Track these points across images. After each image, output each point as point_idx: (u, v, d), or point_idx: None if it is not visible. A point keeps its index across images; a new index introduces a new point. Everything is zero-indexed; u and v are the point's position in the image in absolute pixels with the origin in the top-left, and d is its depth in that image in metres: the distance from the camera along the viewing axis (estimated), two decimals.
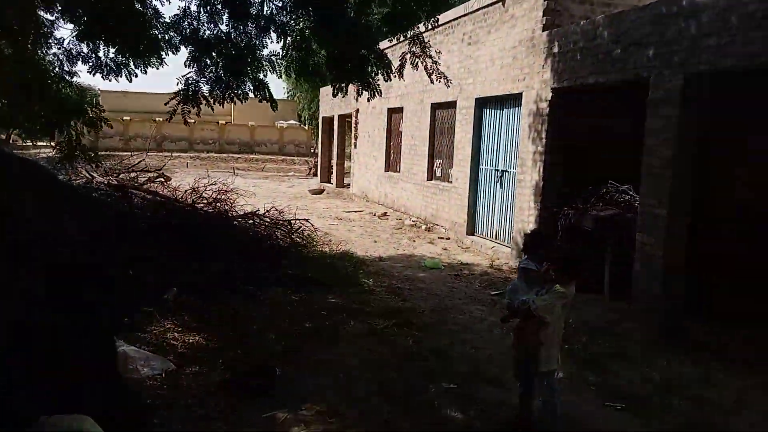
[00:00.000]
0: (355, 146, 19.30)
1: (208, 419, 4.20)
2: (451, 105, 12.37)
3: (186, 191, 9.32)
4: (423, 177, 13.78)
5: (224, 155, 39.27)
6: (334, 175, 21.94)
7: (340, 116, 21.00)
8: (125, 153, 20.75)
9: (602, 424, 4.49)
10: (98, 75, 7.06)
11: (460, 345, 5.96)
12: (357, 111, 18.73)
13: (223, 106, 6.51)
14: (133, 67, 7.02)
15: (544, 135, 8.93)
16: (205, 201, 8.94)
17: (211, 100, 6.34)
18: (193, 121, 39.98)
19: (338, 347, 5.68)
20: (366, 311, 6.80)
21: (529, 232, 4.41)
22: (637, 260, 6.81)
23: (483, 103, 11.24)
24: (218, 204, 8.97)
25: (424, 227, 13.17)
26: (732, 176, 9.45)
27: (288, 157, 40.19)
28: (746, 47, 5.37)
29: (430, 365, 5.38)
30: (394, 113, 15.96)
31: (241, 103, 6.61)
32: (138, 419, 2.56)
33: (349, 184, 20.48)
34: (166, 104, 6.46)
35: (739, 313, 7.66)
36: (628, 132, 7.60)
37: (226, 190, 9.23)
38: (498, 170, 10.73)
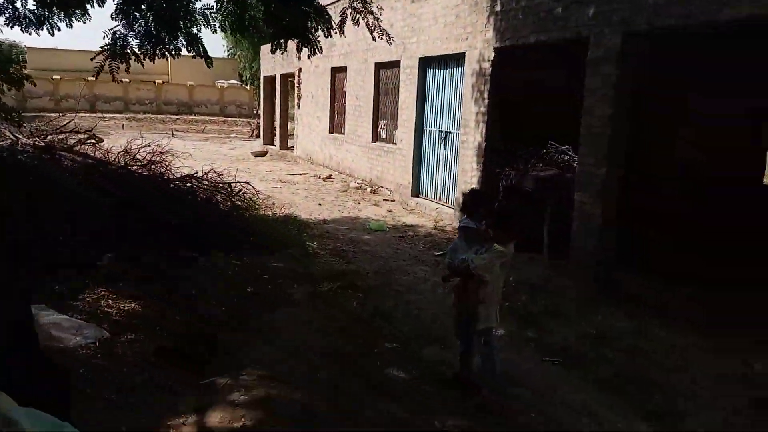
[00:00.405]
0: (299, 107, 18.89)
1: (144, 388, 4.06)
2: (395, 64, 12.20)
3: (119, 153, 8.89)
4: (368, 139, 13.64)
5: (162, 116, 37.81)
6: (277, 137, 21.47)
7: (282, 75, 20.44)
8: (55, 114, 19.69)
9: (540, 378, 4.62)
10: (18, 28, 6.53)
11: (404, 306, 5.99)
12: (299, 70, 18.27)
13: (153, 62, 6.15)
14: (55, 20, 6.53)
15: (486, 95, 8.93)
16: (139, 163, 8.55)
17: (141, 56, 5.97)
18: (128, 80, 38.11)
19: (281, 311, 5.60)
20: (310, 274, 6.73)
21: (466, 191, 4.40)
22: (575, 219, 6.96)
23: (427, 63, 11.12)
24: (153, 166, 8.60)
25: (369, 189, 13.10)
26: (674, 135, 9.79)
27: (229, 119, 39.07)
28: (685, 7, 5.43)
29: (374, 327, 5.38)
30: (338, 73, 15.65)
31: (174, 58, 6.26)
32: (59, 390, 2.42)
33: (293, 146, 20.11)
34: (92, 59, 6.05)
35: (679, 270, 8.00)
36: (571, 92, 7.66)
37: (161, 152, 8.84)
38: (442, 131, 10.71)
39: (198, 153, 18.61)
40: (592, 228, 6.65)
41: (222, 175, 9.46)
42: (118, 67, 6.03)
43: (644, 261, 8.06)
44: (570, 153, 8.18)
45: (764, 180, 11.05)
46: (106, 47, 5.97)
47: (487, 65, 8.89)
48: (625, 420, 4.06)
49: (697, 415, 4.17)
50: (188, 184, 8.79)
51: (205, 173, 8.90)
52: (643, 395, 4.42)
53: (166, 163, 9.02)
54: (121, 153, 8.79)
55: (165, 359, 4.48)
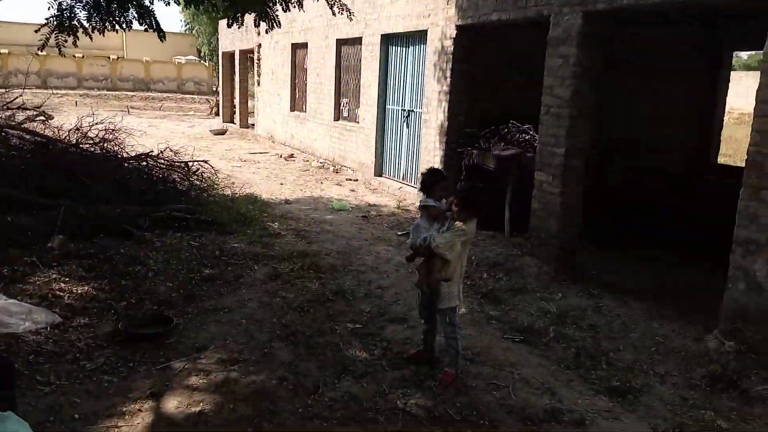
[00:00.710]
0: (259, 84, 18.50)
1: (98, 373, 3.94)
2: (357, 41, 12.01)
3: (69, 131, 8.55)
4: (330, 117, 13.46)
5: (117, 93, 36.59)
6: (237, 115, 21.02)
7: (241, 51, 19.96)
8: (2, 90, 18.82)
9: (501, 355, 4.64)
10: None
11: (366, 285, 5.94)
12: (259, 46, 17.86)
13: (103, 35, 5.87)
14: None
15: (448, 74, 8.86)
16: (91, 141, 8.24)
17: (90, 29, 5.69)
18: (81, 55, 36.78)
19: (240, 293, 5.50)
20: (270, 255, 6.62)
21: (425, 170, 4.36)
22: (535, 198, 6.99)
23: (389, 40, 10.98)
24: (106, 144, 8.30)
25: (332, 169, 12.96)
26: (630, 117, 9.95)
27: (188, 96, 38.10)
28: None
29: (335, 307, 5.33)
30: (299, 49, 15.35)
31: (125, 32, 5.99)
32: (2, 382, 2.31)
33: (253, 125, 19.73)
34: (36, 32, 5.74)
35: (630, 247, 8.17)
36: (534, 70, 7.66)
37: (114, 130, 8.53)
38: (405, 110, 10.62)
39: (155, 131, 18.13)
40: (552, 207, 6.69)
41: (179, 153, 9.21)
42: (65, 41, 5.74)
43: (604, 240, 8.22)
44: (531, 132, 8.22)
45: (718, 159, 11.33)
46: (51, 19, 5.67)
47: (449, 43, 8.81)
48: (585, 396, 4.11)
49: (655, 391, 4.26)
50: (143, 163, 8.53)
51: (161, 152, 8.63)
52: (603, 372, 4.48)
53: (120, 141, 8.72)
54: (72, 131, 8.44)
55: (119, 343, 4.36)
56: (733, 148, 17.47)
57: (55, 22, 5.62)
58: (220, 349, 4.35)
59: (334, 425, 3.54)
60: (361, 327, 4.96)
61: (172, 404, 3.57)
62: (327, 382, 4.04)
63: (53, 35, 5.67)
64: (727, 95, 10.85)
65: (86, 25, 5.71)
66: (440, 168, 4.24)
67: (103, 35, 5.85)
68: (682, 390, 4.32)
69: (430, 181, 4.19)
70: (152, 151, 8.78)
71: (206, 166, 9.35)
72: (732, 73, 11.40)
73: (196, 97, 37.44)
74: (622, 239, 8.45)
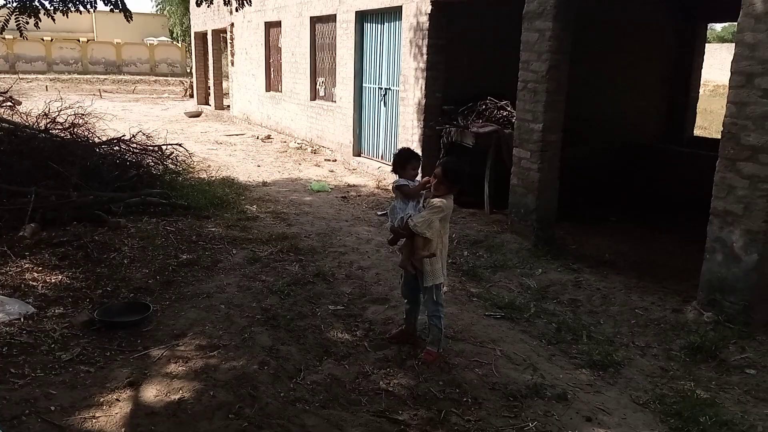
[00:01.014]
0: (233, 64, 18.18)
1: (74, 363, 3.85)
2: (332, 18, 11.82)
3: (38, 116, 8.31)
4: (306, 97, 13.29)
5: (88, 77, 35.72)
6: (212, 97, 20.67)
7: (214, 31, 19.56)
8: None
9: (483, 332, 4.64)
10: None
11: (346, 267, 5.89)
12: (232, 25, 17.52)
13: (67, 16, 5.67)
14: None
15: (425, 50, 8.76)
16: (61, 127, 8.01)
17: (53, 10, 5.48)
18: (49, 38, 35.72)
19: (218, 278, 5.42)
20: (248, 239, 6.53)
21: (396, 152, 4.31)
22: (513, 174, 6.98)
23: (364, 17, 10.81)
24: (76, 129, 8.08)
25: (310, 150, 12.82)
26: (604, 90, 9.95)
27: (161, 78, 37.34)
28: None
29: (316, 289, 5.28)
30: (272, 27, 15.08)
31: (88, 12, 5.79)
32: None
33: (229, 106, 19.44)
34: None
35: (605, 220, 8.23)
36: (511, 45, 7.60)
37: (83, 114, 8.31)
38: (382, 88, 10.51)
39: (128, 115, 17.78)
40: (530, 183, 6.69)
41: (152, 137, 9.02)
42: (27, 23, 5.52)
43: (580, 215, 8.26)
44: (509, 108, 8.18)
45: (694, 132, 11.42)
46: (11, 0, 5.46)
47: (424, 19, 8.69)
48: (567, 371, 4.14)
49: (635, 363, 4.30)
50: (116, 148, 8.34)
51: (133, 135, 8.44)
52: (584, 346, 4.51)
53: (91, 126, 8.50)
54: (41, 116, 8.20)
55: (95, 332, 4.27)
56: (709, 120, 17.66)
57: (14, 4, 5.40)
58: (199, 335, 4.28)
59: (316, 408, 3.50)
60: (342, 308, 4.92)
61: (150, 393, 3.51)
62: (308, 365, 4.01)
63: (13, 17, 5.45)
64: (701, 67, 10.91)
65: (48, 6, 5.49)
66: (416, 147, 4.15)
67: (67, 17, 5.64)
68: (662, 361, 4.36)
69: (401, 161, 4.13)
70: (124, 136, 8.58)
71: (181, 149, 9.17)
72: (706, 45, 11.44)
73: (169, 79, 36.72)
74: (597, 213, 8.51)
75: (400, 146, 9.68)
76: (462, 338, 4.53)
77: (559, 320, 4.93)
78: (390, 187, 9.41)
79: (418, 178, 4.19)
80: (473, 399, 3.72)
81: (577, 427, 3.47)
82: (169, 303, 4.83)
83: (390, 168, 10.21)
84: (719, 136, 4.87)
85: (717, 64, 25.59)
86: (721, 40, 39.71)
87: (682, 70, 10.69)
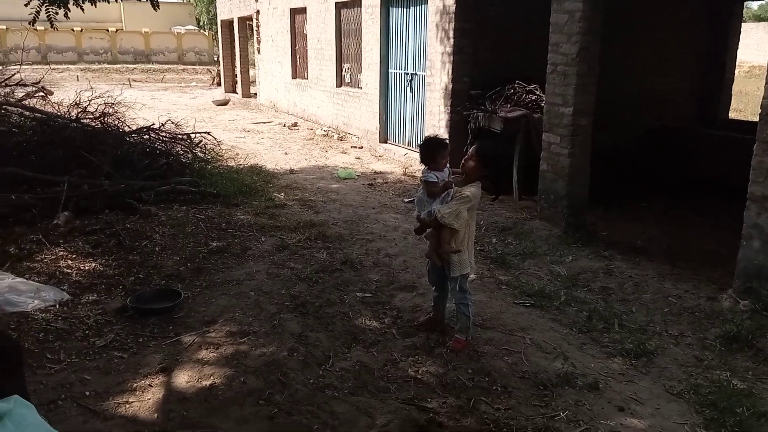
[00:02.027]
0: (259, 51, 18.22)
1: (108, 349, 3.93)
2: (357, 4, 11.73)
3: (69, 106, 8.44)
4: (332, 83, 13.26)
5: (118, 66, 36.19)
6: (239, 85, 20.77)
7: (240, 19, 19.61)
8: (0, 66, 18.60)
9: (512, 320, 4.60)
10: None
11: (374, 254, 5.89)
12: (257, 12, 17.53)
13: (95, 6, 5.73)
14: None
15: (451, 34, 8.64)
16: (92, 116, 8.13)
17: (80, 0, 5.54)
18: (79, 29, 36.16)
19: (248, 265, 5.46)
20: (277, 226, 6.56)
21: (423, 141, 4.19)
22: (543, 160, 6.88)
23: (389, 1, 10.70)
24: (107, 119, 8.20)
25: (336, 137, 12.82)
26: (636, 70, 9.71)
27: (189, 67, 37.66)
28: None
29: (344, 276, 5.28)
30: (297, 14, 15.05)
31: (116, 1, 5.83)
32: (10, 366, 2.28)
33: (255, 94, 19.52)
34: (26, 5, 5.59)
35: (637, 206, 8.07)
36: (540, 28, 7.45)
37: (113, 104, 8.42)
38: (408, 74, 10.42)
39: (157, 104, 17.99)
40: (561, 169, 6.58)
41: (181, 125, 9.11)
42: (56, 14, 5.60)
43: (611, 200, 8.11)
44: (537, 92, 8.04)
45: (729, 114, 11.10)
46: None
47: (451, 2, 8.57)
48: (598, 360, 4.08)
49: (669, 352, 4.21)
50: (145, 137, 8.44)
51: (162, 124, 8.53)
52: (616, 335, 4.43)
53: (121, 115, 8.61)
54: (72, 106, 8.33)
55: (128, 319, 4.34)
56: (744, 102, 17.15)
57: None
58: (230, 321, 4.33)
59: (345, 395, 3.51)
60: (370, 296, 4.92)
61: (182, 379, 3.56)
62: (337, 352, 4.02)
63: (43, 8, 5.52)
64: (737, 47, 10.57)
65: None
66: (443, 133, 4.06)
67: (95, 6, 5.70)
68: (697, 350, 4.27)
69: (430, 152, 4.04)
70: (154, 124, 8.68)
71: (209, 137, 9.25)
72: (742, 24, 11.07)
73: (197, 67, 37.01)
74: (628, 198, 8.35)
75: (426, 133, 9.61)
76: (491, 326, 4.49)
77: (590, 308, 4.86)
78: (416, 174, 9.39)
79: (447, 166, 4.13)
80: (503, 388, 3.69)
81: (609, 417, 3.42)
82: (200, 290, 4.89)
83: (416, 154, 10.17)
84: (755, 119, 4.71)
85: (753, 44, 24.79)
86: (758, 18, 38.46)
87: (716, 50, 10.37)
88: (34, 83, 9.94)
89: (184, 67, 37.62)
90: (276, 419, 3.19)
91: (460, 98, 8.68)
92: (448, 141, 4.23)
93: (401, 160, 10.28)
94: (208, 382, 3.50)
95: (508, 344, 4.23)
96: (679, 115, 10.36)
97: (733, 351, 4.22)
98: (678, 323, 4.69)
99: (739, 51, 10.80)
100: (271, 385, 3.51)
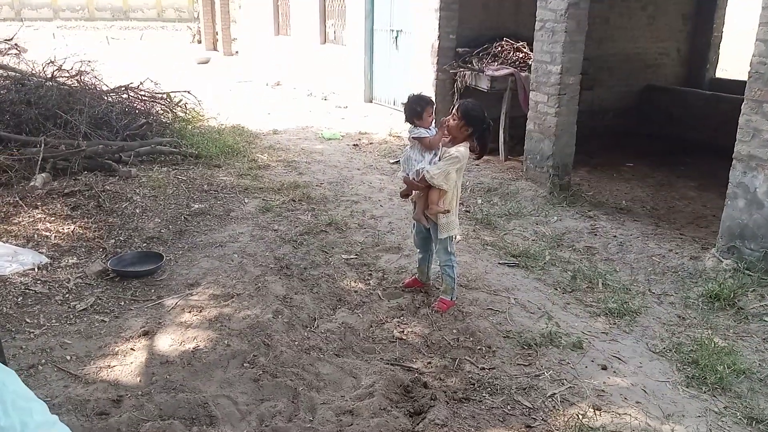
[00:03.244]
0: (240, 7, 17.72)
1: (89, 313, 3.87)
2: None
3: (44, 64, 8.17)
4: (316, 40, 12.95)
5: (95, 23, 35.13)
6: (220, 43, 20.29)
7: None
8: None
9: (498, 281, 4.60)
10: None
11: (359, 216, 5.83)
12: None
13: None
14: None
15: None
16: (68, 74, 7.88)
17: None
18: None
19: (231, 227, 5.39)
20: (260, 188, 6.47)
21: (408, 98, 4.06)
22: (530, 119, 6.80)
23: None
24: (83, 77, 7.96)
25: (320, 96, 12.59)
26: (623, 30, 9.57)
27: (169, 24, 36.65)
28: None
29: (329, 238, 5.23)
30: None
31: None
32: None
33: (237, 52, 19.07)
34: None
35: (622, 166, 8.06)
36: None
37: (90, 61, 8.16)
38: (393, 30, 10.18)
39: (135, 62, 17.49)
40: (548, 129, 6.51)
41: (160, 84, 8.87)
42: None
43: (598, 161, 8.09)
44: (525, 49, 7.91)
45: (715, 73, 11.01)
46: None
47: None
48: (582, 319, 4.10)
49: (652, 311, 4.24)
50: (124, 96, 8.22)
51: (141, 82, 8.30)
52: (600, 294, 4.45)
53: (98, 74, 8.36)
54: (47, 64, 8.06)
55: (109, 282, 4.27)
56: (733, 62, 17.04)
57: None
58: (213, 284, 4.28)
59: (330, 356, 3.50)
60: (355, 258, 4.89)
61: (165, 342, 3.52)
62: (322, 314, 4.00)
63: None
64: (726, 6, 10.43)
65: None
66: (429, 92, 3.93)
67: None
68: (679, 309, 4.31)
69: (416, 108, 3.94)
70: (132, 83, 8.45)
71: (189, 96, 9.03)
72: None
73: (177, 24, 36.02)
74: (613, 159, 8.34)
75: (412, 91, 9.44)
76: (476, 287, 4.49)
77: (575, 268, 4.87)
78: (402, 134, 9.28)
79: (433, 124, 4.04)
80: (487, 347, 3.70)
81: (592, 376, 3.45)
82: (182, 252, 4.82)
83: (402, 114, 10.04)
84: (743, 78, 4.66)
85: (742, 3, 24.53)
86: None
87: (705, 9, 10.23)
88: (6, 40, 9.59)
89: (164, 24, 36.59)
90: (260, 381, 3.17)
91: (446, 56, 8.52)
92: (433, 99, 4.12)
93: (387, 121, 10.13)
94: (191, 346, 3.47)
95: (493, 304, 4.23)
96: (666, 75, 10.28)
97: (715, 309, 4.26)
98: (661, 282, 4.72)
99: (728, 9, 10.66)
100: (256, 347, 3.48)
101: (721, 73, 11.18)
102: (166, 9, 40.10)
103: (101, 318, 3.82)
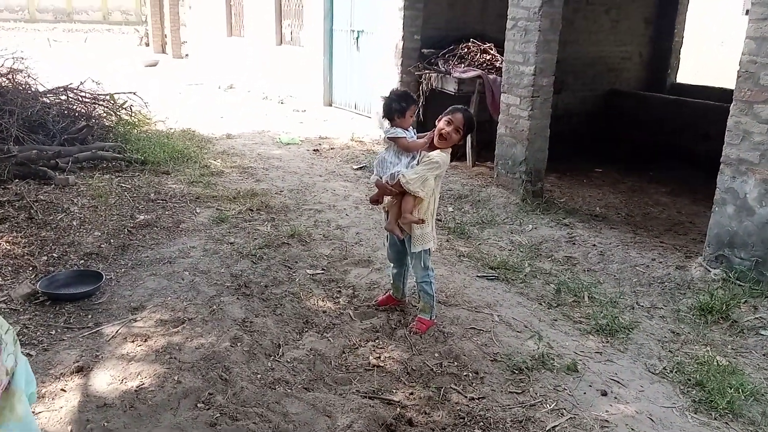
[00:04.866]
0: (190, 8, 17.01)
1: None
2: None
3: None
4: (272, 41, 12.43)
5: (36, 25, 33.49)
6: (169, 45, 19.47)
7: None
8: None
9: (478, 296, 4.23)
10: None
11: (324, 226, 5.38)
12: None
13: None
14: None
15: None
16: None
17: None
18: None
19: (181, 240, 4.85)
20: (213, 196, 5.94)
21: (389, 94, 3.65)
22: (501, 123, 6.50)
23: None
24: (17, 77, 7.25)
25: (277, 99, 12.06)
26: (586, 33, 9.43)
27: (115, 26, 35.28)
28: None
29: (291, 251, 4.76)
30: None
31: None
32: None
33: (187, 55, 18.33)
34: None
35: (592, 172, 7.86)
36: None
37: (23, 58, 7.46)
38: (354, 31, 9.78)
39: (79, 65, 16.55)
40: (520, 132, 6.22)
41: (101, 84, 8.22)
42: None
43: (566, 166, 7.87)
44: (492, 51, 7.63)
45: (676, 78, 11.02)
46: None
47: None
48: (573, 338, 3.76)
49: (644, 327, 3.95)
50: (62, 97, 7.55)
51: (81, 83, 7.65)
52: (587, 309, 4.14)
53: (35, 74, 7.66)
54: None
55: (38, 307, 3.70)
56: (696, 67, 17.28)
57: None
58: (160, 307, 3.75)
59: (299, 391, 3.05)
60: (321, 273, 4.44)
61: (103, 380, 2.99)
62: (288, 339, 3.53)
63: None
64: (686, 11, 10.44)
65: None
66: (405, 90, 3.56)
67: None
68: (672, 324, 4.02)
69: (399, 106, 3.52)
70: (71, 84, 7.77)
71: (135, 98, 8.40)
72: None
73: (124, 27, 34.70)
74: (581, 164, 8.15)
75: (375, 94, 9.06)
76: (455, 303, 4.11)
77: (558, 281, 4.55)
78: (365, 139, 8.86)
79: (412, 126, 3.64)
80: (474, 373, 3.32)
81: (592, 404, 3.10)
82: (125, 270, 4.27)
83: (364, 117, 9.63)
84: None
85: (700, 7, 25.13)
86: None
87: (666, 14, 10.21)
88: None
89: (110, 27, 35.20)
90: (218, 426, 2.69)
91: (410, 57, 8.17)
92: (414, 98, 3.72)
93: (348, 125, 9.70)
94: (134, 384, 2.95)
95: (476, 323, 3.85)
96: (629, 79, 10.20)
97: (709, 323, 4.00)
98: (648, 294, 4.45)
99: (689, 14, 10.67)
100: (211, 383, 2.99)
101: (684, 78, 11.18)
102: (113, 11, 38.66)
103: (26, 351, 3.25)
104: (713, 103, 8.19)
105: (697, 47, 13.48)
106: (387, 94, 3.65)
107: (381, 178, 3.60)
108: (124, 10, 38.82)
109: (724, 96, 9.06)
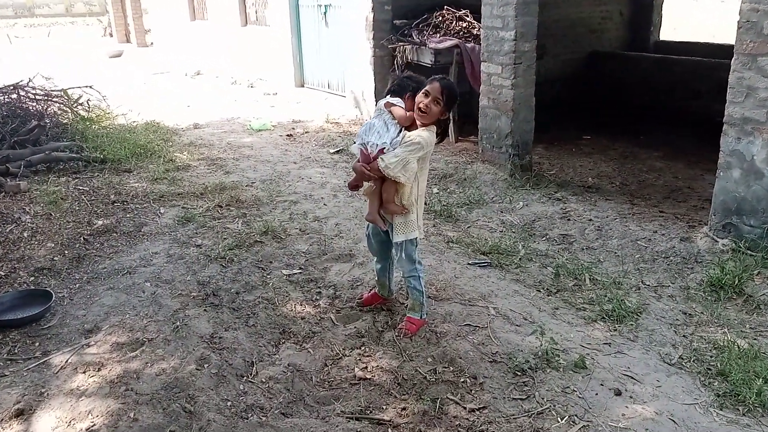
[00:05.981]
0: None
1: None
2: None
3: None
4: (237, 23, 11.84)
5: None
6: (133, 34, 18.69)
7: None
8: None
9: (470, 286, 3.87)
10: None
11: (300, 219, 4.98)
12: None
13: None
14: None
15: None
16: None
17: None
18: None
19: (142, 246, 4.42)
20: (179, 193, 5.49)
21: (399, 75, 3.26)
22: (483, 94, 6.09)
23: None
24: None
25: (246, 84, 11.51)
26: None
27: (78, 18, 34.14)
28: None
29: (265, 250, 4.36)
30: None
31: None
32: None
33: (152, 43, 17.60)
34: None
35: (579, 140, 7.50)
36: None
37: None
38: (321, 6, 9.25)
39: (41, 60, 15.81)
40: (504, 103, 5.82)
41: (52, 79, 7.68)
42: None
43: (553, 135, 7.50)
44: (468, 18, 7.19)
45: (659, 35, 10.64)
46: None
47: None
48: (577, 328, 3.42)
49: (652, 309, 3.62)
50: (13, 96, 7.02)
51: (30, 79, 7.11)
52: (589, 293, 3.80)
53: None
54: None
55: None
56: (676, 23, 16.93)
57: None
58: (117, 328, 3.34)
59: (276, 417, 2.68)
60: (299, 272, 4.05)
61: (47, 423, 2.60)
62: (262, 354, 3.16)
63: None
64: None
65: None
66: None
67: None
68: (682, 304, 3.70)
69: (410, 86, 3.15)
70: (21, 81, 7.23)
71: (92, 91, 7.86)
72: None
73: (88, 19, 33.55)
74: (568, 132, 7.78)
75: (348, 71, 8.60)
76: (447, 297, 3.74)
77: (555, 263, 4.20)
78: (341, 121, 8.40)
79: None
80: (472, 378, 2.97)
81: (606, 406, 2.77)
82: (80, 286, 3.85)
83: (339, 97, 9.15)
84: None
85: None
86: None
87: None
88: None
89: (74, 20, 34.03)
90: None
91: (382, 30, 7.69)
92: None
93: (322, 106, 9.22)
94: (83, 425, 2.56)
95: (471, 319, 3.50)
96: (610, 39, 9.81)
97: (721, 300, 3.68)
98: (654, 271, 4.11)
99: None
100: (173, 417, 2.61)
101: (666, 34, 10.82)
102: (75, 3, 37.35)
103: None
104: (703, 60, 7.85)
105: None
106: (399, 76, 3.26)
107: (363, 146, 3.17)
108: (87, 1, 37.53)
109: (711, 52, 8.73)
